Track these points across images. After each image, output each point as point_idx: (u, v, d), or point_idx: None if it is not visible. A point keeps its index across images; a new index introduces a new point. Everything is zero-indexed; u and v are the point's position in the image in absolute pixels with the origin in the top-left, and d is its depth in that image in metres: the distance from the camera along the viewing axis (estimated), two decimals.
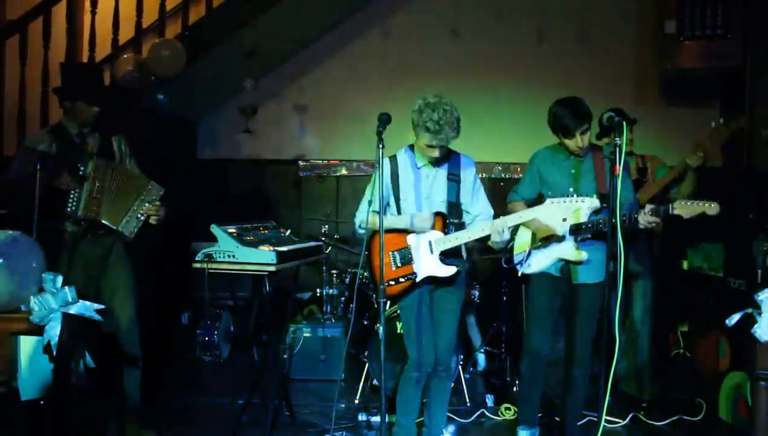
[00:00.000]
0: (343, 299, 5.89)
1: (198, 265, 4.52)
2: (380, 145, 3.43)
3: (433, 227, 3.65)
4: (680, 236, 5.21)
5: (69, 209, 3.94)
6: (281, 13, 5.99)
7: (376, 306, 4.82)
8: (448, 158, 3.72)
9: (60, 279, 3.26)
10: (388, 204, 3.77)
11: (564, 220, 3.86)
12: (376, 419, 4.45)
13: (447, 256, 3.66)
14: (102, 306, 3.40)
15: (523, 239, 4.18)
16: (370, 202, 3.58)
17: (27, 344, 3.20)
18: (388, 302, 4.75)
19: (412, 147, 3.77)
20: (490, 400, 4.90)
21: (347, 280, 5.80)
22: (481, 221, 3.73)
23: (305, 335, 5.59)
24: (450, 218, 3.68)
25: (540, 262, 4.04)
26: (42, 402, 3.22)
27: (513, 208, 4.10)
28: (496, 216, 3.76)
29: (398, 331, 4.61)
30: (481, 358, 5.48)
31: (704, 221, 3.80)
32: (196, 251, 4.57)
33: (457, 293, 3.78)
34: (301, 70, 7.03)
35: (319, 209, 6.63)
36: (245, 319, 5.84)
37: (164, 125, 5.99)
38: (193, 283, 5.81)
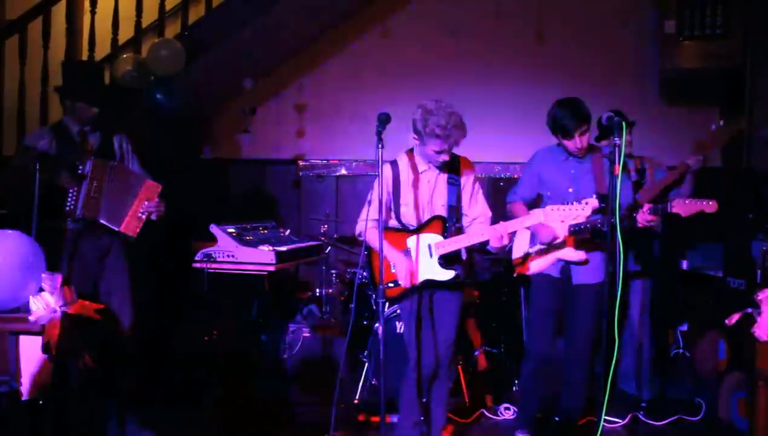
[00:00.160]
0: (342, 298, 5.89)
1: (198, 264, 4.53)
2: (380, 146, 3.43)
3: (433, 231, 3.64)
4: (680, 236, 5.22)
5: (68, 208, 3.94)
6: (281, 12, 5.98)
7: (375, 306, 4.81)
8: (448, 162, 3.72)
9: (59, 278, 3.26)
10: (389, 209, 3.76)
11: (562, 221, 3.86)
12: (376, 419, 4.45)
13: (446, 259, 3.65)
14: (101, 306, 3.41)
15: (522, 240, 4.19)
16: (370, 202, 3.58)
17: (26, 344, 3.21)
18: (388, 302, 4.75)
19: (411, 151, 3.77)
20: (489, 400, 4.90)
21: (347, 279, 5.80)
22: (479, 225, 3.73)
23: (304, 334, 5.59)
24: (449, 222, 3.68)
25: (539, 263, 4.04)
26: (41, 402, 3.22)
27: (513, 208, 4.10)
28: (495, 216, 3.76)
29: (398, 331, 4.61)
30: (480, 358, 5.46)
31: (704, 220, 3.80)
32: (196, 250, 4.58)
33: (457, 296, 3.78)
34: (301, 69, 7.03)
35: (319, 209, 6.62)
36: (245, 318, 5.83)
37: (164, 125, 5.98)
38: (192, 283, 5.80)
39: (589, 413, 4.28)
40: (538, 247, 4.03)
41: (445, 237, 3.65)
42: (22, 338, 3.21)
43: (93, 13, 5.94)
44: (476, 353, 5.10)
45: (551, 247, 3.97)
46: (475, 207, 3.77)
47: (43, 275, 3.25)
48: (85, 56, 5.98)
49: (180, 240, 5.77)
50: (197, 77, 6.12)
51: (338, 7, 6.73)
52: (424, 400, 3.87)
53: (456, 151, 3.71)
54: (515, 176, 6.49)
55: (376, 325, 4.80)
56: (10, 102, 5.87)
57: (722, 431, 4.47)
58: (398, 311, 4.47)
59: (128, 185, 4.09)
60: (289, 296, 6.29)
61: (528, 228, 4.02)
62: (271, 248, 4.57)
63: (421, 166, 3.72)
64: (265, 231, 5.11)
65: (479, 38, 6.85)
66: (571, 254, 3.91)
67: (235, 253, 4.48)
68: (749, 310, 3.64)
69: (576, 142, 3.87)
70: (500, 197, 4.32)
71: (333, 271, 6.05)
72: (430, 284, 3.69)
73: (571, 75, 6.55)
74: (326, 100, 7.01)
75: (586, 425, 4.24)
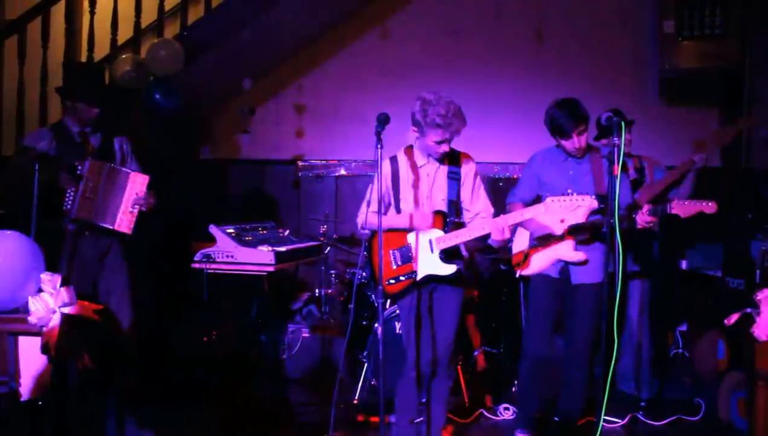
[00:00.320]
0: (341, 299, 5.89)
1: (197, 265, 4.53)
2: (379, 146, 3.43)
3: (432, 226, 3.64)
4: (679, 236, 5.22)
5: (66, 208, 3.95)
6: (280, 13, 5.98)
7: (375, 305, 4.81)
8: (448, 156, 3.72)
9: (59, 279, 3.26)
10: (389, 205, 3.77)
11: (562, 221, 3.86)
12: (375, 419, 4.45)
13: (447, 255, 3.65)
14: (101, 307, 3.41)
15: (521, 240, 4.19)
16: (369, 203, 3.59)
17: (26, 345, 3.20)
18: (388, 302, 4.75)
19: (411, 147, 3.77)
20: (489, 400, 4.90)
21: (346, 280, 5.80)
22: (481, 219, 3.72)
23: (304, 335, 5.60)
24: (450, 217, 3.68)
25: (539, 263, 4.04)
26: (40, 402, 3.22)
27: (512, 210, 4.09)
28: (495, 216, 3.75)
29: (397, 331, 4.61)
30: (480, 358, 5.47)
31: (703, 220, 3.81)
32: (195, 251, 4.58)
33: (457, 293, 3.78)
34: (300, 70, 7.03)
35: (318, 209, 6.62)
36: (244, 319, 5.83)
37: (163, 126, 5.98)
38: (191, 283, 5.81)
39: (588, 413, 4.28)
40: (536, 245, 4.04)
41: (445, 232, 3.65)
42: (22, 339, 3.21)
43: (92, 13, 5.93)
44: (476, 352, 5.11)
45: (551, 240, 3.96)
46: (477, 202, 3.77)
47: (42, 276, 3.25)
48: (84, 57, 5.98)
49: (179, 240, 5.76)
50: (196, 77, 6.12)
51: (338, 7, 6.73)
52: (423, 400, 3.87)
53: (455, 149, 3.72)
54: (515, 176, 6.50)
55: (376, 325, 4.80)
56: (9, 102, 5.87)
57: (721, 431, 4.47)
58: (397, 311, 4.47)
59: (119, 183, 4.09)
60: (288, 297, 6.29)
61: (525, 226, 4.02)
62: (270, 248, 4.57)
63: (421, 160, 3.72)
64: (265, 231, 5.11)
65: (479, 38, 6.85)
66: (570, 254, 3.91)
67: (235, 253, 4.48)
68: (748, 310, 3.64)
69: (574, 143, 3.87)
70: (499, 197, 4.32)
71: (332, 271, 6.06)
72: (431, 279, 3.70)
73: (571, 75, 6.56)
74: (326, 101, 7.01)
75: (586, 426, 4.24)
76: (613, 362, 3.35)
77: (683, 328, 5.90)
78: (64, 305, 3.22)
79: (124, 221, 4.06)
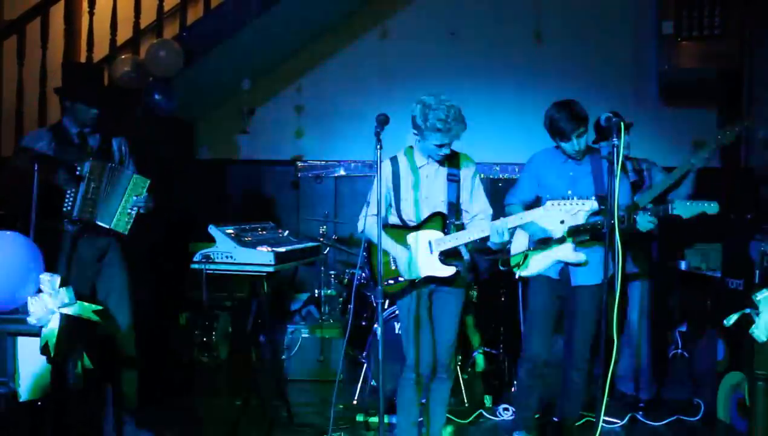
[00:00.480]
0: (341, 299, 5.89)
1: (196, 265, 4.52)
2: (378, 147, 3.44)
3: (433, 227, 3.64)
4: (678, 237, 5.22)
5: (65, 209, 3.94)
6: (279, 13, 5.98)
7: (375, 304, 4.82)
8: (448, 158, 3.72)
9: (58, 280, 3.26)
10: (390, 205, 3.77)
11: (562, 222, 3.86)
12: (375, 419, 4.45)
13: (446, 256, 3.66)
14: (99, 308, 3.41)
15: (520, 241, 4.19)
16: (368, 204, 3.59)
17: (25, 345, 3.20)
18: (387, 302, 4.75)
19: (411, 148, 3.77)
20: (488, 401, 4.90)
21: (345, 280, 5.80)
22: (480, 221, 3.72)
23: (303, 335, 5.60)
24: (450, 218, 3.68)
25: (538, 264, 4.04)
26: (40, 403, 3.22)
27: (511, 211, 4.09)
28: (494, 217, 3.76)
29: (396, 332, 4.61)
30: (479, 358, 5.47)
31: (702, 221, 3.80)
32: (194, 251, 4.57)
33: (457, 294, 3.77)
34: (300, 70, 7.02)
35: (317, 210, 6.62)
36: (243, 320, 5.83)
37: (162, 126, 5.97)
38: (190, 284, 5.80)
39: (587, 414, 4.29)
40: (536, 247, 4.03)
41: (445, 233, 3.65)
42: (21, 339, 3.21)
43: (91, 14, 5.93)
44: (475, 353, 5.11)
45: (549, 247, 3.97)
46: (476, 204, 3.77)
47: (41, 276, 3.25)
48: (83, 57, 5.98)
49: (178, 241, 5.77)
50: (196, 78, 6.12)
51: (337, 7, 6.73)
52: (423, 401, 3.87)
53: (455, 150, 3.72)
54: (514, 177, 6.49)
55: (375, 326, 4.80)
56: (8, 103, 5.87)
57: (721, 432, 4.48)
58: (397, 312, 4.47)
59: (119, 184, 4.09)
60: (287, 297, 6.29)
61: (525, 229, 4.02)
62: (269, 248, 4.56)
63: (420, 161, 3.72)
64: (264, 232, 5.09)
65: (478, 39, 6.85)
66: (570, 255, 3.91)
67: (234, 254, 4.47)
68: (748, 310, 3.64)
69: (574, 144, 3.87)
70: (499, 198, 4.32)
71: (332, 272, 6.06)
72: (431, 280, 3.70)
73: (570, 76, 6.56)
74: (325, 101, 7.01)
75: (585, 426, 4.24)
76: (612, 363, 3.35)
77: (682, 328, 5.90)
78: (64, 305, 3.22)
79: (121, 221, 4.06)
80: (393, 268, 3.70)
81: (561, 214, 3.55)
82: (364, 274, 3.90)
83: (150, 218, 4.26)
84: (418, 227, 3.69)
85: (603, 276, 3.44)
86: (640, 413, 4.69)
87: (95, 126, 4.14)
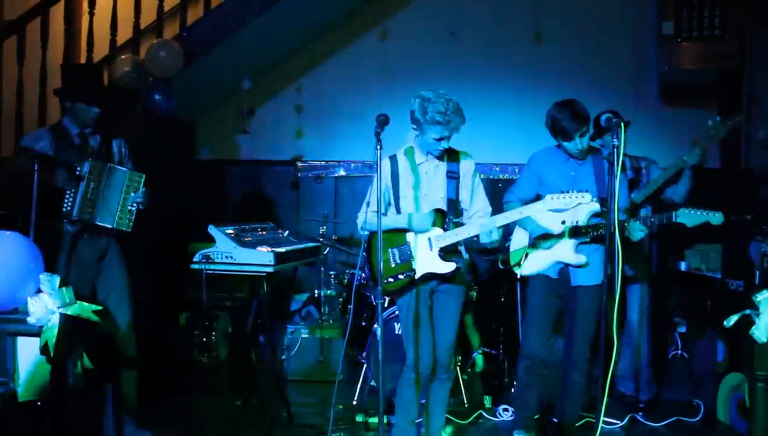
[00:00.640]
0: (341, 299, 5.89)
1: (196, 266, 4.52)
2: (378, 147, 3.44)
3: (433, 224, 3.64)
4: (678, 237, 5.21)
5: (65, 209, 3.94)
6: (279, 13, 5.98)
7: (375, 305, 4.82)
8: (448, 155, 3.72)
9: (57, 280, 3.26)
10: (389, 204, 3.77)
11: (563, 222, 3.86)
12: (374, 420, 4.45)
13: (446, 253, 3.66)
14: (99, 308, 3.41)
15: (520, 239, 4.19)
16: (368, 203, 3.59)
17: (25, 346, 3.20)
18: (387, 302, 4.75)
19: (411, 148, 3.77)
20: (488, 401, 4.90)
21: (345, 281, 5.80)
22: (479, 218, 3.72)
23: (303, 336, 5.60)
24: (449, 216, 3.68)
25: (537, 263, 4.04)
26: (39, 403, 3.22)
27: (509, 209, 4.09)
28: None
29: (396, 332, 4.61)
30: (479, 359, 5.47)
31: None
32: (194, 251, 4.57)
33: (457, 294, 3.78)
34: (300, 70, 7.02)
35: (317, 210, 6.62)
36: (243, 320, 5.84)
37: (162, 126, 5.98)
38: (190, 284, 5.81)
39: (587, 414, 4.29)
40: (535, 245, 4.03)
41: (445, 230, 3.65)
42: (21, 339, 3.21)
43: (91, 14, 5.93)
44: (475, 354, 5.11)
45: (549, 247, 3.96)
46: (476, 202, 3.78)
47: (41, 276, 3.25)
48: (83, 57, 5.98)
49: (178, 241, 5.77)
50: (196, 78, 6.12)
51: (337, 7, 6.73)
52: (423, 401, 3.87)
53: (454, 148, 3.72)
54: (514, 177, 6.49)
55: (375, 326, 4.80)
56: (8, 103, 5.87)
57: (720, 433, 4.48)
58: (396, 312, 4.47)
59: (118, 183, 4.09)
60: (287, 297, 6.28)
61: (524, 226, 4.02)
62: (269, 249, 4.56)
63: (420, 158, 3.73)
64: (264, 232, 5.10)
65: (478, 39, 6.85)
66: (570, 256, 3.91)
67: (234, 254, 4.47)
68: (748, 311, 3.64)
69: (577, 144, 3.87)
70: (499, 198, 4.31)
71: (332, 272, 6.06)
72: (430, 278, 3.69)
73: (570, 76, 6.56)
74: (325, 101, 7.01)
75: (585, 427, 4.24)
76: (612, 364, 3.35)
77: (682, 329, 5.90)
78: (64, 305, 3.22)
79: (123, 219, 4.06)
80: (393, 266, 3.70)
81: (561, 215, 3.55)
82: (364, 274, 3.89)
83: (150, 217, 4.25)
84: None
85: (603, 276, 3.44)
86: (640, 413, 4.68)
87: (96, 126, 4.13)
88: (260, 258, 4.46)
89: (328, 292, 5.96)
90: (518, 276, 4.20)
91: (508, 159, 6.70)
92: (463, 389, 4.87)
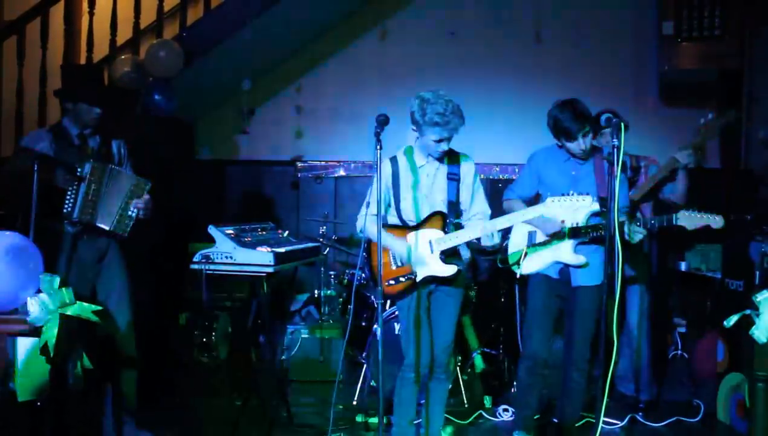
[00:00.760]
0: (341, 300, 5.89)
1: (196, 266, 4.52)
2: (378, 147, 3.44)
3: (432, 227, 3.64)
4: (678, 238, 5.21)
5: (66, 210, 3.94)
6: (279, 13, 5.98)
7: (374, 305, 4.81)
8: (448, 157, 3.72)
9: (57, 280, 3.25)
10: (389, 205, 3.77)
11: (562, 222, 3.86)
12: (374, 420, 4.45)
13: (447, 255, 3.65)
14: (99, 308, 3.40)
15: (518, 239, 4.18)
16: (368, 204, 3.58)
17: (24, 346, 3.20)
18: (387, 303, 4.75)
19: (411, 148, 3.77)
20: (487, 401, 4.90)
21: (345, 281, 5.80)
22: (478, 221, 3.72)
23: (303, 336, 5.59)
24: (450, 218, 3.68)
25: (537, 263, 4.04)
26: (39, 403, 3.21)
27: (511, 205, 4.09)
28: (494, 217, 3.75)
29: (396, 332, 4.60)
30: (478, 359, 5.47)
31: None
32: (194, 251, 4.57)
33: (456, 295, 3.77)
34: (299, 70, 7.02)
35: (317, 210, 6.62)
36: (243, 320, 5.83)
37: (162, 126, 5.97)
38: (190, 284, 5.81)
39: (587, 414, 4.29)
40: (535, 245, 4.03)
41: (445, 233, 3.65)
42: (20, 340, 3.20)
43: (91, 14, 5.93)
44: (474, 354, 5.11)
45: (549, 247, 3.96)
46: (476, 204, 3.77)
47: (41, 277, 3.24)
48: (83, 58, 5.98)
49: (178, 241, 5.77)
50: (196, 78, 6.12)
51: (337, 8, 6.73)
52: (422, 401, 3.87)
53: (455, 150, 3.71)
54: (514, 178, 6.49)
55: (375, 326, 4.80)
56: (8, 103, 5.87)
57: (721, 433, 4.48)
58: (396, 313, 4.47)
59: (120, 185, 4.08)
60: (287, 298, 6.28)
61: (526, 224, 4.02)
62: (269, 249, 4.56)
63: (420, 160, 3.72)
64: (264, 232, 5.09)
65: (478, 39, 6.85)
66: (570, 257, 3.91)
67: (234, 254, 4.47)
68: (748, 311, 3.64)
69: (579, 144, 3.86)
70: (499, 198, 4.32)
71: (331, 272, 6.06)
72: (431, 280, 3.69)
73: (570, 76, 6.57)
74: (325, 101, 7.01)
75: (585, 427, 4.24)
76: (612, 364, 3.35)
77: (682, 329, 5.90)
78: (63, 306, 3.22)
79: (122, 223, 4.05)
80: (393, 268, 3.70)
81: (562, 212, 3.54)
82: (363, 274, 3.89)
83: (150, 218, 4.25)
84: (418, 226, 3.69)
85: (603, 277, 3.44)
86: (640, 414, 4.68)
87: (97, 126, 4.13)
88: (260, 258, 4.45)
89: (328, 292, 5.96)
90: (517, 276, 4.19)
91: (508, 159, 6.70)
92: (463, 389, 4.87)
